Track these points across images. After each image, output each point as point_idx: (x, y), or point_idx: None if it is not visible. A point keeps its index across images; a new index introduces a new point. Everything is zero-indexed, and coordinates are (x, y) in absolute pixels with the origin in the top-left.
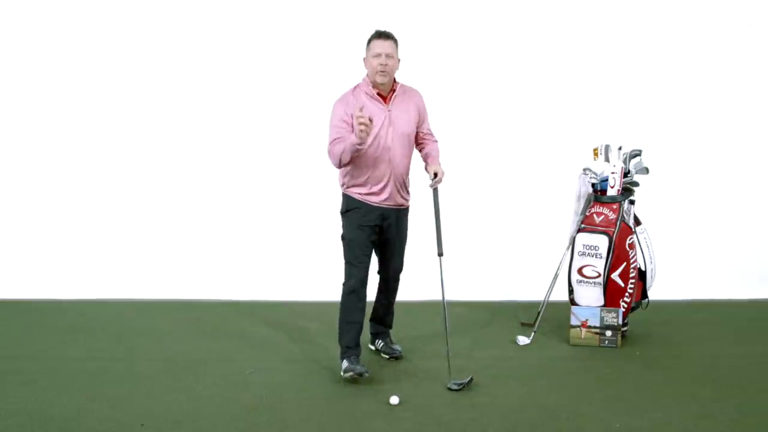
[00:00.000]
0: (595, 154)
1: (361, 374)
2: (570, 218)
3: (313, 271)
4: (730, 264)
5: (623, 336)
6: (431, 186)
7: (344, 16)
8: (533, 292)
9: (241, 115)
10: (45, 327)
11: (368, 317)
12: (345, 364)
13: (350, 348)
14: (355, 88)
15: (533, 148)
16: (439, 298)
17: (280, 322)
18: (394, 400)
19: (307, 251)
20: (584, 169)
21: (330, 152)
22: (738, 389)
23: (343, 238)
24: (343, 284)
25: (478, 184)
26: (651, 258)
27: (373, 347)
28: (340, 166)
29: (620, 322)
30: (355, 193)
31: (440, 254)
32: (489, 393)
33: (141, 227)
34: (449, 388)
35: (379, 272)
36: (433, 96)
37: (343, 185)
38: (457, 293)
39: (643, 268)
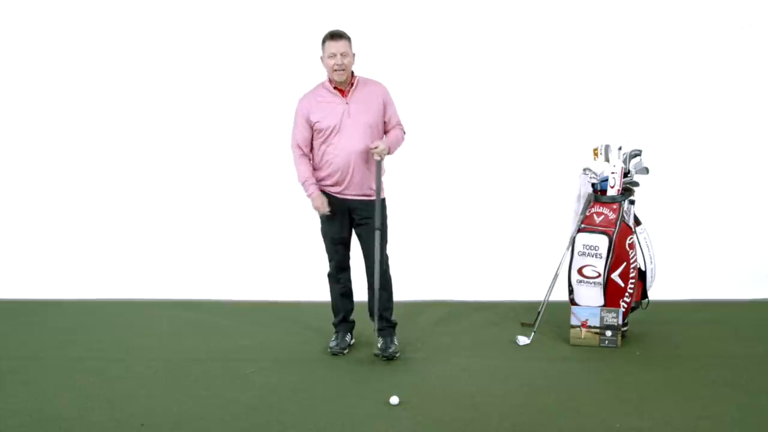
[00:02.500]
0: (595, 154)
1: (332, 351)
2: (570, 218)
3: (313, 271)
4: (730, 264)
5: (623, 336)
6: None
7: (341, 16)
8: (533, 292)
9: (239, 116)
10: (45, 327)
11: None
12: (334, 342)
13: (334, 326)
14: (317, 87)
15: (533, 148)
16: (441, 297)
17: (280, 322)
18: (394, 400)
19: (307, 251)
20: (584, 169)
21: (293, 156)
22: (738, 389)
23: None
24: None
25: (478, 183)
26: (651, 258)
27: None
28: None
29: (620, 322)
30: (322, 185)
31: (377, 228)
32: (489, 393)
33: (141, 227)
34: (375, 354)
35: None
36: (434, 96)
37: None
38: (457, 293)
39: (643, 268)
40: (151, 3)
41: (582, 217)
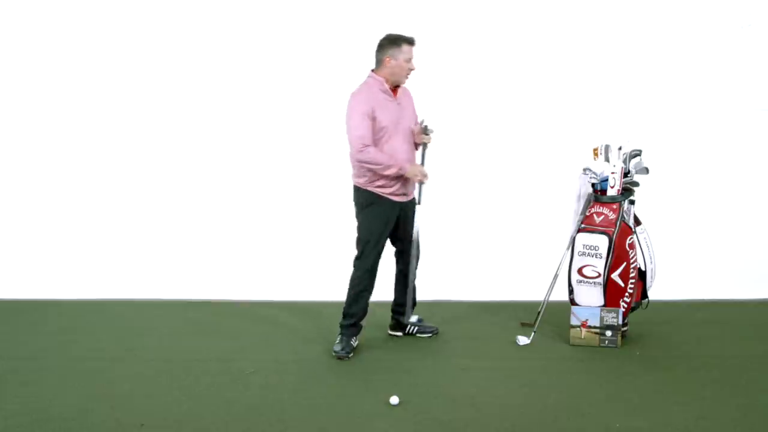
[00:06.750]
0: (595, 154)
1: (338, 355)
2: (570, 218)
3: (313, 271)
4: (730, 264)
5: (623, 336)
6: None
7: (345, 16)
8: (533, 292)
9: (239, 115)
10: (45, 327)
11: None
12: (340, 345)
13: (344, 327)
14: (369, 84)
15: (533, 148)
16: (441, 297)
17: (280, 322)
18: (394, 400)
19: (307, 251)
20: (584, 169)
21: (362, 150)
22: (738, 389)
23: (359, 228)
24: (357, 272)
25: (479, 183)
26: (651, 258)
27: (401, 333)
28: (359, 166)
29: (620, 322)
30: (374, 187)
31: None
32: (489, 393)
33: (141, 227)
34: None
35: (396, 252)
36: (434, 95)
37: (361, 182)
38: (457, 293)
39: (643, 268)
40: (152, 3)
41: (582, 217)
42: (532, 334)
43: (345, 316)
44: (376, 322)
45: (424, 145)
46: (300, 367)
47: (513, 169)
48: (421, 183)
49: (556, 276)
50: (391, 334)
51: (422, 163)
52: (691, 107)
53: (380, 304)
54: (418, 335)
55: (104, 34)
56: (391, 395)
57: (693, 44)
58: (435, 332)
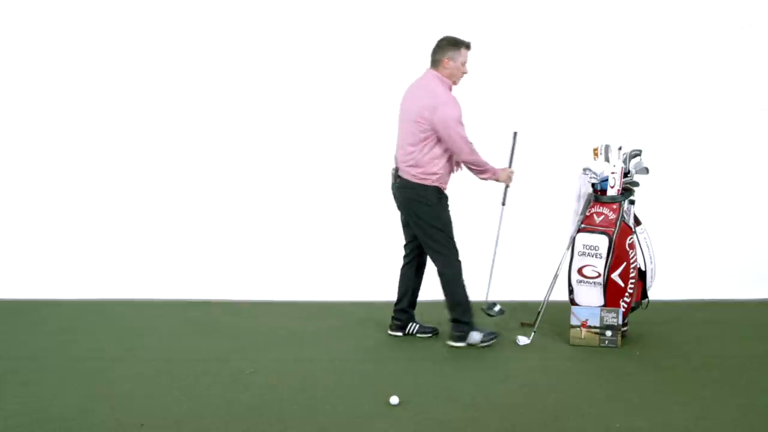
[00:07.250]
0: (595, 154)
1: (490, 341)
2: (570, 218)
3: (313, 271)
4: (730, 264)
5: (623, 336)
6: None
7: (348, 16)
8: (533, 292)
9: (239, 116)
10: (45, 327)
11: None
12: (481, 334)
13: (472, 323)
14: (444, 85)
15: (533, 148)
16: (441, 297)
17: (279, 322)
18: (394, 400)
19: (307, 251)
20: (584, 169)
21: (472, 152)
22: (739, 389)
23: (437, 224)
24: (454, 264)
25: (479, 183)
26: (651, 258)
27: (401, 333)
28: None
29: (620, 322)
30: (440, 183)
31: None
32: (489, 393)
33: (141, 227)
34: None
35: (410, 245)
36: None
37: (431, 178)
38: None
39: (643, 268)
40: (152, 3)
41: (582, 217)
42: (532, 334)
43: (466, 311)
44: (376, 322)
45: (513, 149)
46: (300, 367)
47: (513, 169)
48: (507, 185)
49: (556, 276)
50: (391, 335)
51: (510, 165)
52: (691, 107)
53: (381, 304)
54: (418, 335)
55: (105, 35)
56: (391, 395)
57: (693, 44)
58: (435, 332)
